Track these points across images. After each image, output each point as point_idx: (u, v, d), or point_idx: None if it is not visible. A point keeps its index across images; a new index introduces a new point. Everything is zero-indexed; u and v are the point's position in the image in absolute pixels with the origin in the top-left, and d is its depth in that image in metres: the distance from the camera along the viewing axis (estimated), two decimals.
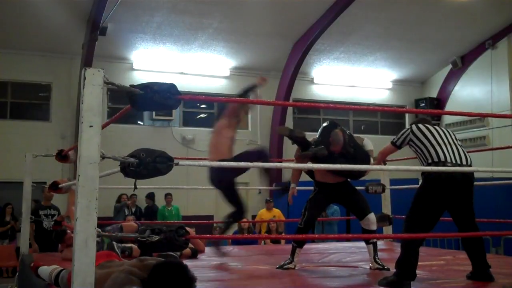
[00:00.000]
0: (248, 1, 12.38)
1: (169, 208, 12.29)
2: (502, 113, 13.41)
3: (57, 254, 5.74)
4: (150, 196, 12.70)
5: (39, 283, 4.26)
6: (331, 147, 4.69)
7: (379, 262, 4.70)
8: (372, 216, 4.80)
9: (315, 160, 4.70)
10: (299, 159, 4.89)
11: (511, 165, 12.62)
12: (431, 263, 5.02)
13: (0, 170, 12.10)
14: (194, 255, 5.51)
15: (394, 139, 4.26)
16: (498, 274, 4.12)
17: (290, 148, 14.51)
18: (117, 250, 4.91)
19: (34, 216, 7.44)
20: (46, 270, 4.07)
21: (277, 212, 10.80)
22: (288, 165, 3.72)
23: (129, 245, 5.21)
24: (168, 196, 12.30)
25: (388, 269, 4.47)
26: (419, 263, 3.86)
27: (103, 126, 2.72)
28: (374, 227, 4.82)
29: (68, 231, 5.48)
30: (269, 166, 3.69)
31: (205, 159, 7.84)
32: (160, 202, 12.79)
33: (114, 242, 4.92)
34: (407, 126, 17.57)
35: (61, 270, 3.85)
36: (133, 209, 12.50)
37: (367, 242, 4.85)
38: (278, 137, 14.61)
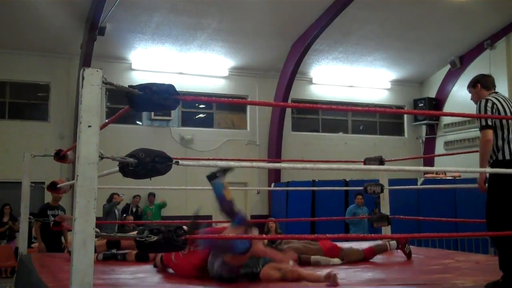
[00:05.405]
0: (247, 1, 12.37)
1: (151, 207, 13.06)
2: None
3: (64, 255, 5.62)
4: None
5: (37, 282, 4.23)
6: None
7: None
8: None
9: None
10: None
11: None
12: (431, 267, 5.01)
13: None
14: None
15: (484, 122, 3.59)
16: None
17: (289, 149, 14.57)
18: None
19: (42, 216, 7.51)
20: None
21: None
22: (287, 165, 3.65)
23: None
24: (151, 196, 13.05)
25: None
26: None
27: (102, 126, 2.72)
28: None
29: None
30: (269, 167, 3.62)
31: (203, 159, 7.81)
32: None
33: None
34: (406, 126, 17.37)
35: None
36: (134, 209, 12.57)
37: None
38: (277, 137, 14.61)
